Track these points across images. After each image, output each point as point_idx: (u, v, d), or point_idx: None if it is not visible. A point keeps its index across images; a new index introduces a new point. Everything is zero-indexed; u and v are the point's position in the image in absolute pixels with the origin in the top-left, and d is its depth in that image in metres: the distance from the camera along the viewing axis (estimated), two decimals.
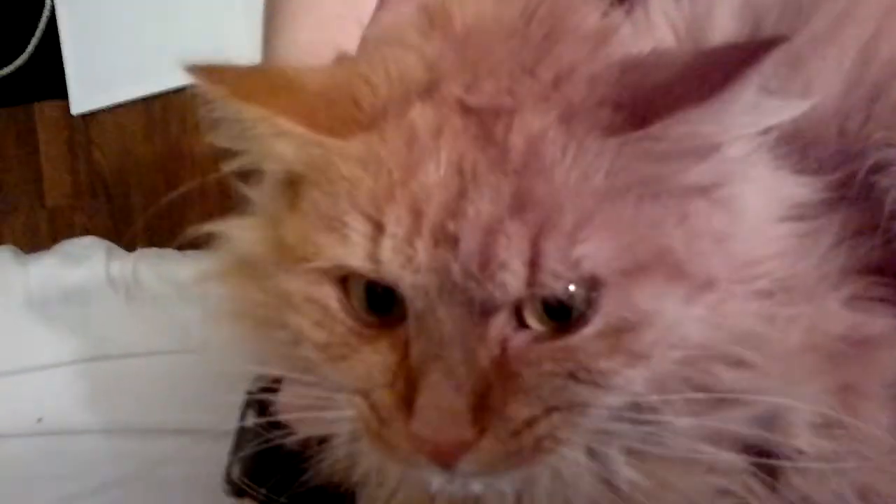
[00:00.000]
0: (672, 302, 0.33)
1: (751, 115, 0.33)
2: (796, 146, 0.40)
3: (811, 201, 0.37)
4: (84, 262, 0.79)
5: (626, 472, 0.37)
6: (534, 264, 0.31)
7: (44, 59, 1.39)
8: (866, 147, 0.41)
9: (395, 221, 0.32)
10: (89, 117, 1.40)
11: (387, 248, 0.32)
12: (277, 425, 0.47)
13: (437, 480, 0.35)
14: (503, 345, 0.33)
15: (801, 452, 0.37)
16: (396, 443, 0.34)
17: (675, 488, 0.37)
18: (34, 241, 1.35)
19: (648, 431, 0.35)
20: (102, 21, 1.39)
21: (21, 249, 0.83)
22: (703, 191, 0.35)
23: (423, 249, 0.32)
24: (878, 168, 0.40)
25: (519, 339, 0.33)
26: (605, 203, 0.32)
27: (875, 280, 0.39)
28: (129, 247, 0.86)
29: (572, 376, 0.33)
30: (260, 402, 0.48)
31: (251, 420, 0.49)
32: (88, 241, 0.84)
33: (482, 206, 0.32)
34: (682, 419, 0.35)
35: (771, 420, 0.37)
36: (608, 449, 0.36)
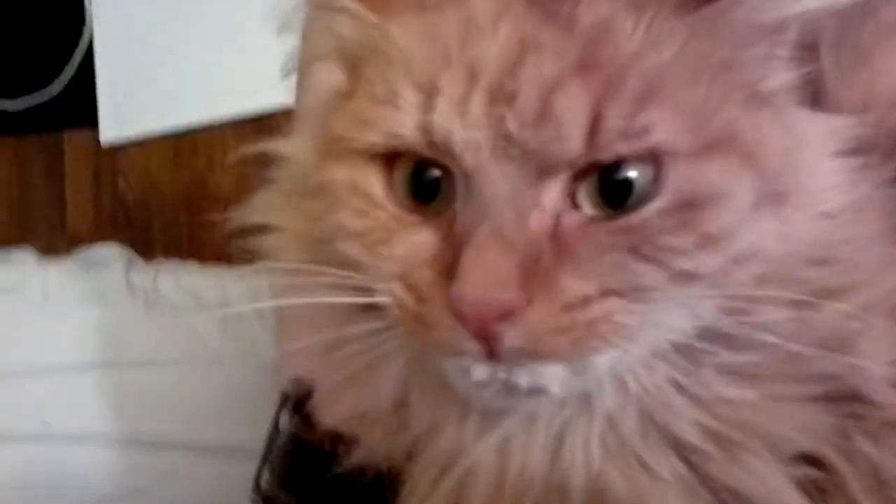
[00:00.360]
0: (744, 188, 0.32)
1: None
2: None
3: (861, 136, 0.36)
4: (104, 268, 0.78)
5: (723, 390, 0.34)
6: (595, 123, 0.30)
7: (77, 89, 1.40)
8: None
9: (450, 84, 0.31)
10: (118, 148, 1.40)
11: (439, 107, 0.31)
12: (312, 424, 0.45)
13: (479, 370, 0.32)
14: (557, 218, 0.31)
15: (876, 408, 0.34)
16: (435, 319, 0.31)
17: (778, 406, 0.34)
18: None
19: (739, 346, 0.33)
20: (137, 55, 1.41)
21: None
22: (771, 99, 0.34)
23: (477, 105, 0.31)
24: None
25: (573, 217, 0.31)
26: (675, 79, 0.31)
27: None
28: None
29: (634, 252, 0.31)
30: (295, 401, 0.46)
31: (285, 421, 0.47)
32: (109, 249, 0.83)
33: (543, 66, 0.30)
34: (775, 327, 0.33)
35: (847, 371, 0.34)
36: (699, 369, 0.34)
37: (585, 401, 0.35)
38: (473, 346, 0.31)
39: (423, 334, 0.32)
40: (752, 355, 0.34)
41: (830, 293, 0.34)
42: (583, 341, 0.31)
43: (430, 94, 0.32)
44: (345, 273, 0.35)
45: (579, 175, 0.31)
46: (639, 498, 0.35)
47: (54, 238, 1.40)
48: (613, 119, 0.30)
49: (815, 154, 0.35)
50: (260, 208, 0.41)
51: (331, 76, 0.38)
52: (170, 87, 1.38)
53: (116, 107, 1.40)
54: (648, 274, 0.31)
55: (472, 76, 0.31)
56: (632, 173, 0.31)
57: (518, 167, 0.31)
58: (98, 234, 1.40)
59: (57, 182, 1.42)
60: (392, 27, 0.34)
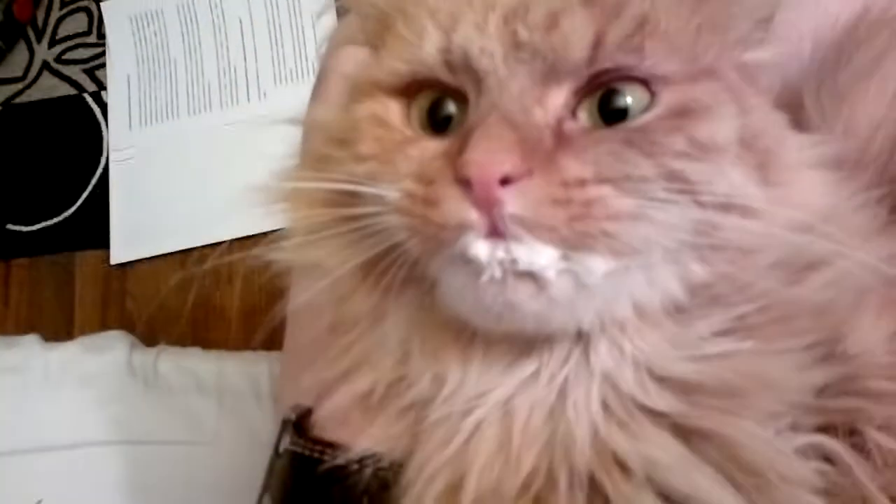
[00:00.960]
0: (729, 114, 0.35)
1: None
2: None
3: (841, 154, 0.39)
4: (106, 352, 0.79)
5: (718, 345, 0.35)
6: (599, 38, 0.34)
7: (90, 212, 1.45)
8: None
9: (470, 14, 0.36)
10: (127, 267, 1.43)
11: (459, 29, 0.36)
12: (314, 443, 0.45)
13: (479, 246, 0.33)
14: (559, 121, 0.34)
15: (881, 400, 0.35)
16: (442, 194, 0.33)
17: (775, 356, 0.36)
18: None
19: (729, 303, 0.35)
20: (151, 179, 1.46)
21: None
22: (756, 75, 0.39)
23: (493, 24, 0.35)
24: None
25: (574, 124, 0.35)
26: (668, 21, 0.36)
27: None
28: None
29: (630, 145, 0.33)
30: (297, 424, 0.46)
31: (285, 444, 0.47)
32: (114, 333, 0.84)
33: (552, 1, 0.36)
34: (763, 284, 0.35)
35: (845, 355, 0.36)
36: (691, 328, 0.36)
37: (584, 358, 0.36)
38: (476, 216, 0.32)
39: (429, 216, 0.34)
40: (743, 308, 0.36)
41: (814, 262, 0.36)
42: (579, 221, 0.32)
43: (451, 24, 0.36)
44: (358, 181, 0.37)
45: (582, 91, 0.35)
46: (639, 449, 0.35)
47: None
48: (614, 37, 0.35)
49: (796, 161, 0.38)
50: (283, 180, 0.44)
51: (362, 54, 0.43)
52: (179, 210, 1.43)
53: (127, 228, 1.44)
54: (642, 165, 0.33)
55: (489, 7, 0.36)
56: (629, 99, 0.35)
57: (527, 69, 0.35)
58: None
59: (66, 301, 1.44)
60: None
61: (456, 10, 0.37)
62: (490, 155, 0.32)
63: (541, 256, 0.33)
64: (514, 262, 0.33)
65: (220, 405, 0.75)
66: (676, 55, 0.35)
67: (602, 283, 0.34)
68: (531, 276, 0.33)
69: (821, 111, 0.46)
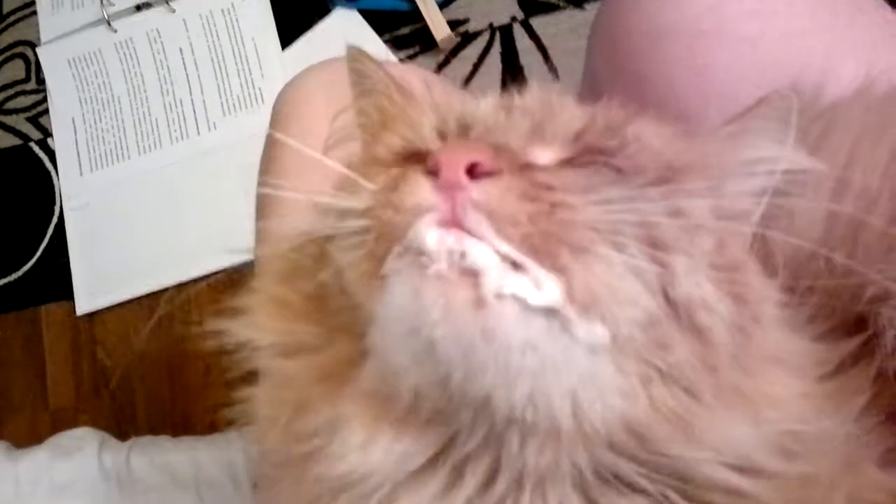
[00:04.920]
0: (704, 201, 0.34)
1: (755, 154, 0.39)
2: (796, 294, 0.40)
3: (827, 360, 0.36)
4: (75, 455, 0.78)
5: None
6: (587, 122, 0.36)
7: (50, 264, 1.43)
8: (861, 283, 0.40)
9: (464, 100, 0.40)
10: (94, 316, 1.42)
11: (456, 107, 0.39)
12: None
13: (431, 235, 0.30)
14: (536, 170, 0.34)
15: None
16: (409, 181, 0.31)
17: None
18: (36, 444, 1.34)
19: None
20: (108, 224, 1.44)
21: None
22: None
23: (489, 101, 0.39)
24: (876, 299, 0.40)
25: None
26: (651, 133, 0.37)
27: None
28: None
29: (601, 174, 0.34)
30: None
31: None
32: (81, 432, 0.83)
33: (548, 89, 0.39)
34: None
35: None
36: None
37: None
38: (436, 199, 0.30)
39: (389, 198, 0.32)
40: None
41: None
42: (544, 217, 0.30)
43: (448, 109, 0.39)
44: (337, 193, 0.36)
45: (566, 163, 0.34)
46: None
47: (37, 416, 1.40)
48: (601, 123, 0.36)
49: (772, 354, 0.35)
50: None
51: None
52: (141, 253, 1.41)
53: (90, 277, 1.42)
54: (611, 190, 0.32)
55: (485, 96, 0.40)
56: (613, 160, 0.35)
57: (515, 124, 0.36)
58: (80, 405, 1.40)
59: (37, 356, 1.43)
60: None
61: (452, 101, 0.40)
62: (462, 147, 0.32)
63: (487, 255, 0.29)
64: (463, 251, 0.29)
65: (199, 498, 0.75)
66: (655, 158, 0.35)
67: (548, 326, 0.29)
68: (474, 269, 0.29)
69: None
